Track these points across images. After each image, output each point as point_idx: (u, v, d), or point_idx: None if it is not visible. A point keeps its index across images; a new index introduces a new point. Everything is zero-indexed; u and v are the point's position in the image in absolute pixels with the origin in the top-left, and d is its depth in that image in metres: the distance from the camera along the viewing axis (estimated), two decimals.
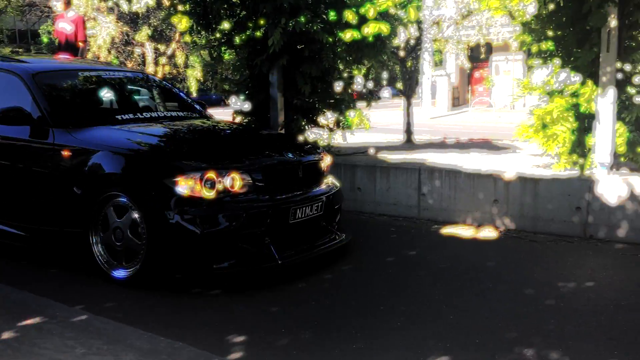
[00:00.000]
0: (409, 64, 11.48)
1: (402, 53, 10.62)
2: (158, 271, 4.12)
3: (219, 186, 4.05)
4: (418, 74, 18.88)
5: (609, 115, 5.56)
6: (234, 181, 4.10)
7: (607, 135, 5.60)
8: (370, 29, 6.08)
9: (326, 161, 5.03)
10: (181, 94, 6.56)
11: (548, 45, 6.30)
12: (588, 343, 3.33)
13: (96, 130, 4.64)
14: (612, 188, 5.29)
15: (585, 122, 5.95)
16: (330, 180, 5.03)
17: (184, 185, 4.01)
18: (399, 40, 8.28)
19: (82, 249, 4.37)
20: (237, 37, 6.52)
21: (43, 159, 4.60)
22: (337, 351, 3.24)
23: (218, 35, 6.84)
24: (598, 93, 5.66)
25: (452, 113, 27.81)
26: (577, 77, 5.85)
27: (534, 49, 6.43)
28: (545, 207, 5.60)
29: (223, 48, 7.19)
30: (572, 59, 5.98)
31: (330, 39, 6.34)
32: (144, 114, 5.35)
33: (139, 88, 5.95)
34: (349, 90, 7.14)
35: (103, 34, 12.30)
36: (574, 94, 6.01)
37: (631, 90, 5.87)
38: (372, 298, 4.04)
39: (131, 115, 5.11)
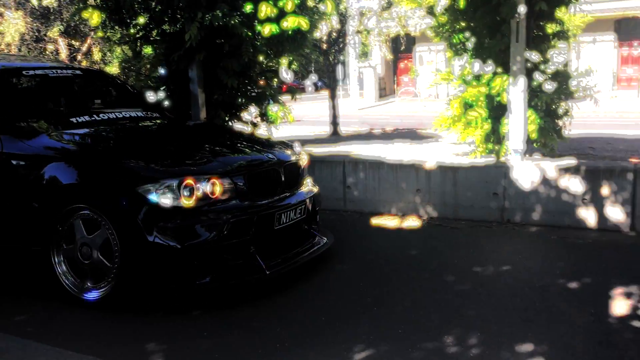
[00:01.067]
0: (332, 56, 11.53)
1: (325, 46, 10.64)
2: (133, 290, 3.73)
3: (199, 193, 3.69)
4: (344, 66, 19.06)
5: (520, 103, 5.77)
6: (214, 187, 3.76)
7: (519, 122, 5.82)
8: (289, 23, 6.02)
9: (304, 160, 4.74)
10: (136, 91, 6.02)
11: (461, 36, 6.47)
12: (505, 326, 3.44)
13: (49, 136, 4.18)
14: (525, 174, 5.50)
15: (498, 111, 6.15)
16: (308, 181, 4.73)
17: (160, 194, 3.62)
18: (321, 32, 8.28)
19: (43, 269, 3.92)
20: (152, 33, 6.31)
21: None
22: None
23: (133, 30, 6.59)
24: (509, 82, 5.86)
25: (380, 104, 28.24)
26: (489, 67, 6.04)
27: (448, 40, 6.59)
28: (465, 195, 5.76)
29: (139, 43, 6.95)
30: (484, 49, 6.16)
31: (250, 33, 6.24)
32: (100, 115, 4.77)
33: (91, 86, 5.46)
34: (274, 84, 7.07)
35: (11, 30, 11.64)
36: (488, 84, 6.20)
37: (540, 78, 6.11)
38: (296, 293, 4.03)
39: (87, 117, 4.58)
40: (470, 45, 6.37)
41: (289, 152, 4.60)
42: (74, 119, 4.51)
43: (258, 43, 6.57)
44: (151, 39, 6.50)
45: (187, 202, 3.64)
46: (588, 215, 5.32)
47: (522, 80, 5.74)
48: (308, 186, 4.64)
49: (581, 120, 7.03)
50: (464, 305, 3.74)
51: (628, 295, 3.79)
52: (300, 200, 4.33)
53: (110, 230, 3.66)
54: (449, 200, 5.84)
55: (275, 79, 7.08)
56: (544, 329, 3.37)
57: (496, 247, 5.02)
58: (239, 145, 4.68)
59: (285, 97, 7.53)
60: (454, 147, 7.32)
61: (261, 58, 6.78)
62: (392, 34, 16.34)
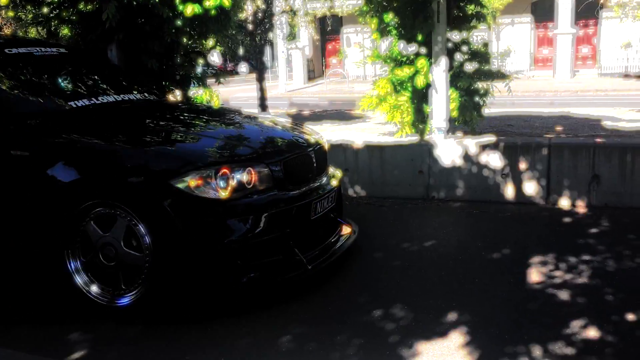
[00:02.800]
0: (259, 37, 11.40)
1: (251, 26, 10.50)
2: (168, 292, 3.34)
3: (236, 183, 3.34)
4: (272, 48, 18.88)
5: (442, 83, 5.93)
6: (252, 176, 3.41)
7: (442, 102, 5.98)
8: (211, 2, 5.87)
9: (326, 144, 4.41)
10: (122, 71, 5.42)
11: (387, 17, 6.54)
12: (431, 299, 3.56)
13: (54, 123, 3.71)
14: (448, 151, 5.67)
15: (423, 90, 6.28)
16: (331, 167, 4.41)
17: (196, 185, 3.24)
18: (247, 13, 8.15)
19: (56, 281, 3.49)
20: (65, 12, 6.02)
21: None
22: None
23: (46, 10, 6.26)
24: (432, 62, 6.00)
25: (308, 85, 28.25)
26: (413, 48, 6.15)
27: (373, 21, 6.65)
28: (392, 173, 5.88)
29: (54, 23, 6.61)
30: (408, 30, 6.26)
31: (171, 13, 6.06)
32: (99, 98, 4.25)
33: (79, 67, 4.83)
34: (198, 66, 6.91)
35: None
36: (412, 64, 6.32)
37: (460, 57, 6.29)
38: None
39: (86, 101, 4.08)
40: (394, 25, 6.44)
41: (315, 136, 4.28)
42: (72, 103, 4.02)
43: (180, 23, 6.40)
44: (67, 19, 6.19)
45: (225, 193, 3.29)
46: (507, 190, 5.56)
47: (444, 61, 5.89)
48: (333, 172, 4.34)
49: (500, 99, 7.30)
50: (392, 281, 3.84)
51: (543, 264, 4.01)
52: (331, 188, 4.05)
53: (139, 228, 3.27)
54: (376, 179, 5.95)
55: (201, 61, 6.93)
56: (466, 300, 3.51)
57: (422, 224, 5.16)
58: (265, 129, 4.23)
59: (210, 81, 7.39)
60: (381, 127, 7.45)
61: (185, 39, 6.61)
62: (318, 14, 16.31)
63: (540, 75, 26.43)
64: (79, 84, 4.57)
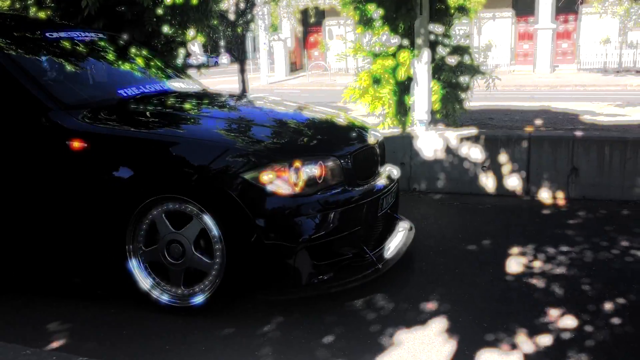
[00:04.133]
0: (240, 28, 11.31)
1: (232, 17, 10.42)
2: (240, 292, 3.25)
3: (308, 178, 3.17)
4: (254, 40, 18.78)
5: (424, 75, 5.94)
6: (324, 170, 3.24)
7: (424, 94, 5.99)
8: None
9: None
10: (159, 58, 5.08)
11: (370, 9, 6.53)
12: (412, 288, 3.60)
13: (115, 112, 3.52)
14: (430, 143, 5.70)
15: (405, 82, 6.29)
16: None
17: (271, 180, 3.07)
18: (228, 3, 8.09)
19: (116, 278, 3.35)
20: None
21: (35, 157, 3.34)
22: None
23: None
24: (414, 55, 6.01)
25: (290, 78, 28.17)
26: (396, 40, 6.15)
27: (356, 13, 6.64)
28: None
29: (32, 10, 6.49)
30: (391, 22, 6.26)
31: (152, 1, 6.00)
32: (147, 87, 4.05)
33: (118, 53, 4.54)
34: (179, 56, 6.84)
35: None
36: (395, 56, 6.33)
37: (442, 51, 6.31)
38: None
39: (135, 91, 3.88)
40: (377, 17, 6.44)
41: (373, 130, 4.09)
42: (122, 92, 3.82)
43: (161, 12, 6.34)
44: (44, 5, 6.09)
45: (298, 188, 3.12)
46: (487, 182, 5.61)
47: (426, 53, 5.90)
48: (388, 165, 4.13)
49: (481, 93, 7.34)
50: None
51: (523, 255, 4.05)
52: (393, 182, 3.84)
53: (208, 223, 3.13)
54: None
55: (182, 51, 6.87)
56: (447, 290, 3.54)
57: (404, 215, 5.17)
58: (329, 122, 4.03)
59: (192, 71, 7.33)
60: (363, 119, 7.44)
61: (165, 28, 6.55)
62: (300, 6, 16.26)
63: (521, 70, 26.67)
64: (123, 71, 4.39)
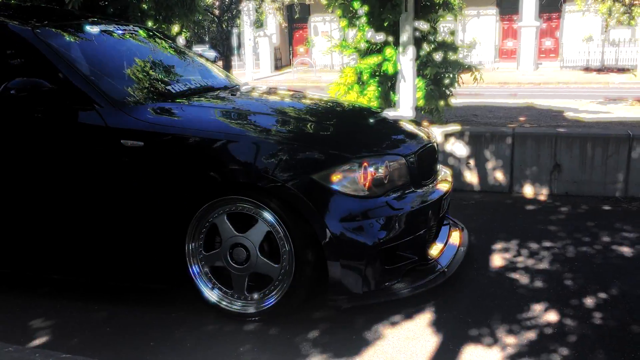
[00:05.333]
0: (226, 24, 11.26)
1: (217, 12, 10.36)
2: (307, 298, 3.11)
3: (378, 179, 3.05)
4: (239, 36, 18.71)
5: (409, 71, 5.96)
6: (392, 171, 3.12)
7: (409, 90, 6.01)
8: None
9: None
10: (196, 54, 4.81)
11: (355, 5, 6.54)
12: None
13: (168, 108, 3.34)
14: None
15: (390, 79, 6.31)
16: None
17: (341, 181, 2.94)
18: None
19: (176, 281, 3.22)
20: None
21: (86, 155, 3.16)
22: None
23: None
24: (400, 51, 6.02)
25: (276, 74, 28.09)
26: (381, 36, 6.17)
27: (341, 9, 6.64)
28: None
29: (13, 3, 6.41)
30: (376, 18, 6.27)
31: None
32: (191, 82, 3.92)
33: (159, 47, 4.36)
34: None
35: None
36: (380, 52, 6.34)
37: (427, 47, 6.34)
38: None
39: (182, 86, 3.74)
40: (362, 14, 6.45)
41: (427, 127, 3.94)
42: (170, 88, 3.66)
43: (145, 7, 6.29)
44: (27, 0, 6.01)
45: (369, 189, 3.00)
46: (472, 178, 5.65)
47: (411, 50, 5.92)
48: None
49: (466, 90, 7.38)
50: None
51: (506, 250, 4.09)
52: (450, 182, 3.69)
53: (274, 227, 2.99)
54: None
55: None
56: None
57: None
58: (389, 121, 3.87)
59: None
60: None
61: (150, 23, 6.50)
62: (286, 1, 16.22)
63: (505, 67, 26.86)
64: (166, 66, 4.20)
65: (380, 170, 3.06)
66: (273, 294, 3.08)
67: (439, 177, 3.62)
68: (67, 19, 4.03)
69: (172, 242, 3.13)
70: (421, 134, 3.64)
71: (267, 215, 2.99)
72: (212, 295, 3.19)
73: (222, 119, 3.39)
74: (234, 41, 26.95)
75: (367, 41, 6.66)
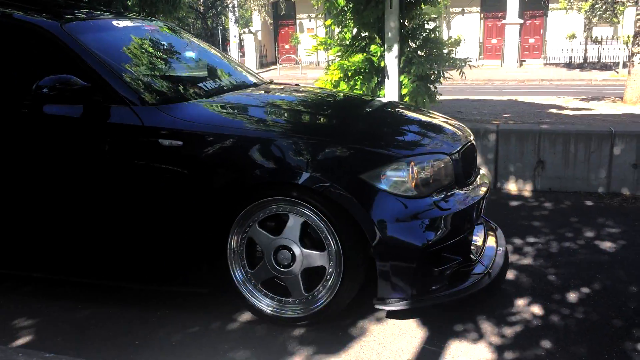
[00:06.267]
0: (210, 20, 11.19)
1: (202, 8, 10.30)
2: (354, 300, 3.03)
3: (426, 179, 2.94)
4: (225, 31, 18.61)
5: (394, 68, 5.97)
6: (438, 171, 3.02)
7: (394, 87, 6.03)
8: None
9: None
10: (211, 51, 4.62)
11: (340, 2, 6.54)
12: None
13: (206, 106, 3.24)
14: None
15: (375, 75, 6.32)
16: None
17: (390, 181, 2.83)
18: None
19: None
20: None
21: (122, 155, 3.03)
22: None
23: None
24: (385, 48, 6.03)
25: (261, 71, 28.00)
26: (366, 33, 6.18)
27: (326, 6, 6.64)
28: None
29: None
30: (361, 15, 6.28)
31: None
32: (221, 79, 3.83)
33: (184, 43, 4.26)
34: None
35: None
36: (365, 49, 6.35)
37: (412, 44, 6.36)
38: None
39: (212, 83, 3.62)
40: (347, 10, 6.46)
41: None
42: (202, 86, 3.55)
43: (130, 3, 6.24)
44: None
45: (417, 189, 2.89)
46: None
47: (396, 46, 5.93)
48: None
49: (451, 86, 7.42)
50: None
51: None
52: (488, 183, 3.54)
53: (322, 228, 2.88)
54: None
55: None
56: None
57: None
58: (429, 119, 3.73)
59: None
60: None
61: None
62: None
63: (489, 65, 27.04)
64: (196, 62, 4.10)
65: (427, 170, 2.95)
66: (322, 295, 2.99)
67: (479, 175, 3.51)
68: (88, 13, 3.88)
69: (213, 245, 3.04)
70: (462, 132, 3.54)
71: (315, 217, 2.89)
72: (262, 305, 3.09)
73: (262, 118, 3.31)
74: (219, 38, 26.82)
75: (353, 38, 6.67)
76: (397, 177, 2.85)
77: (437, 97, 6.84)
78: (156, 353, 2.84)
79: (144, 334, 3.00)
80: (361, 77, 6.40)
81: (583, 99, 12.84)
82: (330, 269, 2.93)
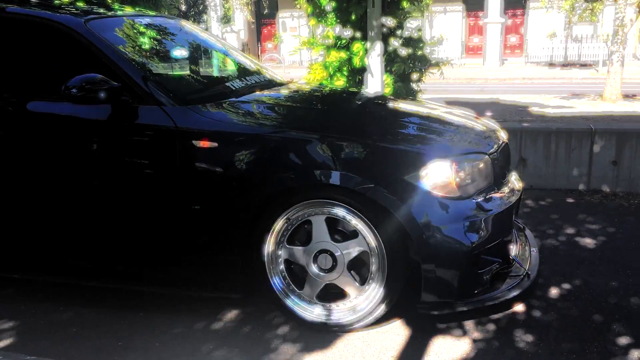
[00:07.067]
0: (192, 19, 11.14)
1: (183, 7, 10.25)
2: (397, 304, 2.95)
3: (468, 179, 2.86)
4: (206, 30, 18.51)
5: (377, 67, 5.98)
6: (479, 171, 2.92)
7: (377, 86, 6.03)
8: None
9: None
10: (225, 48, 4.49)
11: (322, 0, 6.53)
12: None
13: (239, 105, 3.17)
14: None
15: (358, 74, 6.33)
16: None
17: (434, 182, 2.74)
18: None
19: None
20: None
21: (155, 157, 2.94)
22: None
23: None
24: (367, 47, 6.04)
25: None
26: (348, 32, 6.18)
27: (309, 5, 6.63)
28: None
29: None
30: (343, 14, 6.28)
31: None
32: (246, 78, 3.70)
33: (209, 41, 4.21)
34: None
35: None
36: (348, 48, 6.35)
37: (395, 42, 6.38)
38: None
39: (239, 82, 3.51)
40: (330, 9, 6.45)
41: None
42: (230, 85, 3.45)
43: (110, 1, 6.19)
44: None
45: (460, 189, 2.80)
46: None
47: (379, 45, 5.94)
48: None
49: (433, 86, 7.47)
50: None
51: None
52: (520, 183, 3.41)
53: (364, 230, 2.82)
54: None
55: None
56: None
57: None
58: (463, 118, 3.59)
59: None
60: None
61: None
62: None
63: (471, 63, 27.21)
64: (222, 60, 4.02)
65: (469, 170, 2.87)
66: (364, 302, 2.93)
67: (512, 176, 3.39)
68: (109, 9, 3.74)
69: (249, 250, 2.96)
70: (497, 131, 3.46)
71: (357, 219, 2.82)
72: (309, 314, 3.02)
73: (299, 118, 3.23)
74: None
75: (335, 37, 6.66)
76: (441, 178, 2.76)
77: (420, 96, 6.87)
78: (140, 354, 2.82)
79: (127, 335, 2.98)
80: (344, 75, 6.40)
81: (564, 97, 12.99)
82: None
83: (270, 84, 3.91)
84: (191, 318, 3.13)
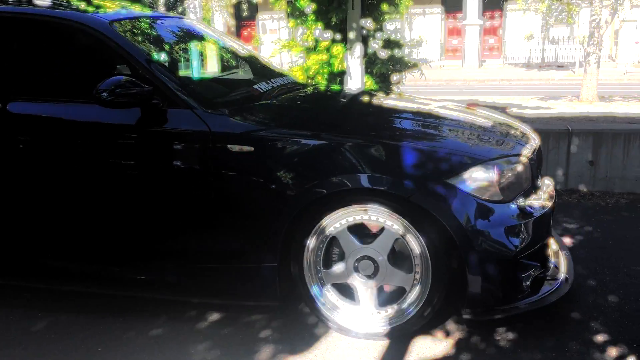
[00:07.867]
0: None
1: (162, 8, 10.19)
2: (442, 309, 2.89)
3: (510, 182, 2.81)
4: None
5: (357, 69, 6.01)
6: (520, 174, 2.87)
7: (357, 88, 6.06)
8: None
9: None
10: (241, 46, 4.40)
11: (302, 3, 6.55)
12: None
13: (272, 108, 3.10)
14: None
15: (338, 77, 6.35)
16: None
17: (477, 185, 2.70)
18: None
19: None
20: None
21: (189, 162, 2.86)
22: None
23: None
24: (347, 49, 6.07)
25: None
26: (328, 34, 6.20)
27: (289, 8, 6.63)
28: None
29: None
30: (323, 16, 6.30)
31: None
32: (272, 80, 3.61)
33: (227, 43, 4.12)
34: None
35: None
36: (328, 51, 6.37)
37: (375, 45, 6.41)
38: None
39: (265, 85, 3.42)
40: (310, 11, 6.47)
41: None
42: (257, 87, 3.37)
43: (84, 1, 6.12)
44: None
45: (503, 192, 2.75)
46: None
47: (358, 47, 5.97)
48: None
49: (413, 87, 7.51)
50: None
51: None
52: (552, 186, 3.32)
53: (404, 235, 2.77)
54: None
55: None
56: None
57: None
58: (496, 119, 3.54)
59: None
60: None
61: None
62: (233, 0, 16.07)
63: (450, 65, 27.44)
64: (246, 62, 3.88)
65: (510, 173, 2.83)
66: (411, 307, 2.88)
67: (545, 180, 3.33)
68: (132, 14, 3.58)
69: (285, 258, 2.91)
70: (531, 134, 3.39)
71: (398, 224, 2.77)
72: (339, 318, 2.98)
73: (333, 120, 3.17)
74: None
75: (315, 39, 6.68)
76: (484, 181, 2.72)
77: None
78: (121, 357, 2.79)
79: (106, 340, 2.95)
80: (324, 77, 6.42)
81: (541, 98, 13.16)
82: (415, 286, 2.82)
83: (295, 85, 3.84)
84: (172, 321, 3.11)
